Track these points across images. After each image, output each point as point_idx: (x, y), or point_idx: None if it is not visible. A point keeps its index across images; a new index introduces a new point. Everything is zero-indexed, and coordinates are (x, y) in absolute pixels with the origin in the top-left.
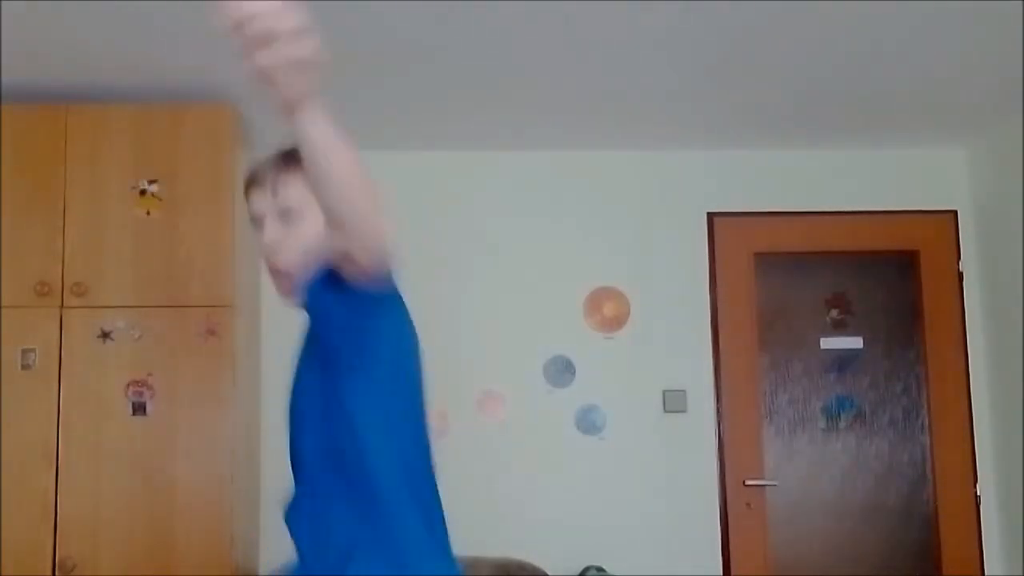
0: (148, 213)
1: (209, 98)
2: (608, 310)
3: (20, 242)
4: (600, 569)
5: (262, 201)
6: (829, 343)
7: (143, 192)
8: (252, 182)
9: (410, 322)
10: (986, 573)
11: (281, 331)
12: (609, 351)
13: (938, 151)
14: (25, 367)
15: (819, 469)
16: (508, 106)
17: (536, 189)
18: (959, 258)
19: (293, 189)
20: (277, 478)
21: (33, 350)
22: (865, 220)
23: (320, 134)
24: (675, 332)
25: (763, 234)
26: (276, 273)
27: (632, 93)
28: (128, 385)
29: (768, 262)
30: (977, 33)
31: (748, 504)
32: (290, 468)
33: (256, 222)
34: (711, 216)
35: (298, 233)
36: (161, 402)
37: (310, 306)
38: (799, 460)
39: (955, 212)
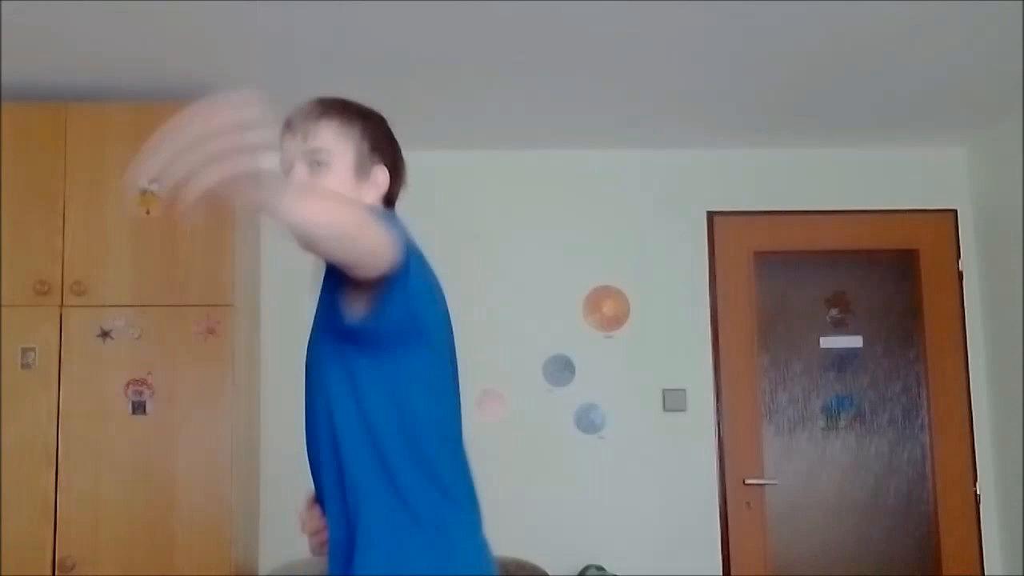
0: (148, 212)
1: (209, 97)
2: (608, 309)
3: (20, 241)
4: (600, 568)
5: (293, 146)
6: (829, 342)
7: (143, 191)
8: (285, 128)
9: (436, 285)
10: (986, 572)
11: (280, 330)
12: (609, 350)
13: (938, 150)
14: (25, 366)
15: (819, 468)
16: (507, 105)
17: (535, 188)
18: (959, 257)
19: (324, 136)
20: (277, 476)
21: (33, 349)
22: (865, 219)
23: (296, 216)
24: (675, 331)
25: (763, 233)
26: None
27: (631, 92)
28: (128, 384)
29: (768, 261)
30: (977, 32)
31: (748, 503)
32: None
33: (285, 168)
34: (711, 215)
35: (326, 180)
36: (161, 401)
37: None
38: (799, 459)
39: (955, 211)
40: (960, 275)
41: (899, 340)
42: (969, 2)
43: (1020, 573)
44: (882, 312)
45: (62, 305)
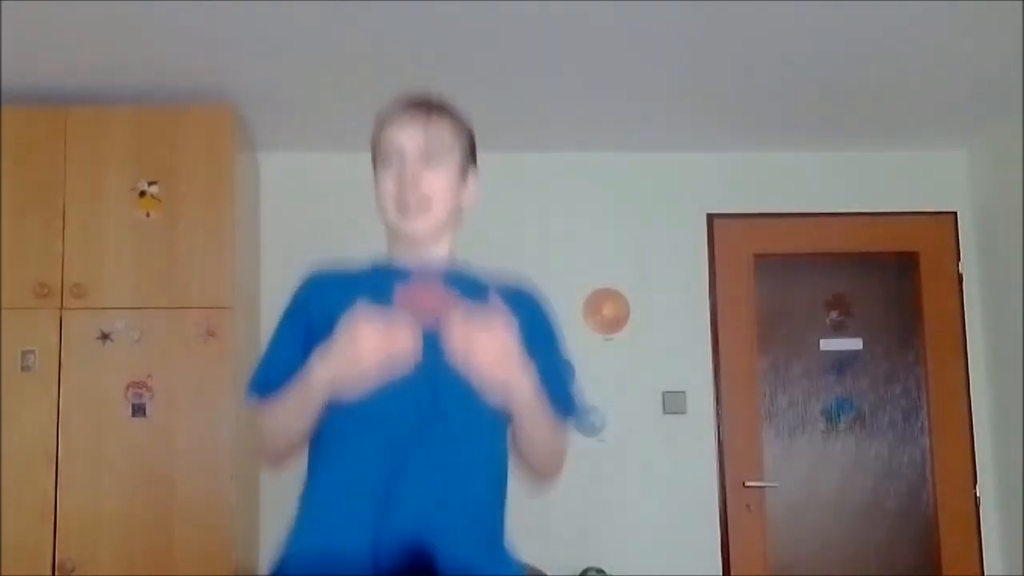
0: (148, 214)
1: (209, 100)
2: (607, 311)
3: (20, 243)
4: (600, 570)
5: (410, 140)
6: (829, 344)
7: (143, 193)
8: (403, 118)
9: None
10: (986, 574)
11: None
12: (608, 352)
13: (938, 152)
14: (25, 368)
15: (819, 470)
16: (506, 107)
17: (534, 190)
18: (959, 260)
19: (442, 133)
20: (277, 478)
21: (33, 351)
22: (865, 222)
23: (540, 416)
24: (675, 333)
25: (763, 235)
26: (416, 205)
27: (631, 94)
28: (128, 386)
29: (768, 263)
30: (977, 34)
31: (748, 505)
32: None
33: (394, 157)
34: (711, 217)
35: (442, 173)
36: (161, 403)
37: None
38: (799, 461)
39: (955, 214)
40: (960, 278)
41: (899, 343)
42: (969, 2)
43: (1020, 575)
44: (882, 315)
45: (62, 307)
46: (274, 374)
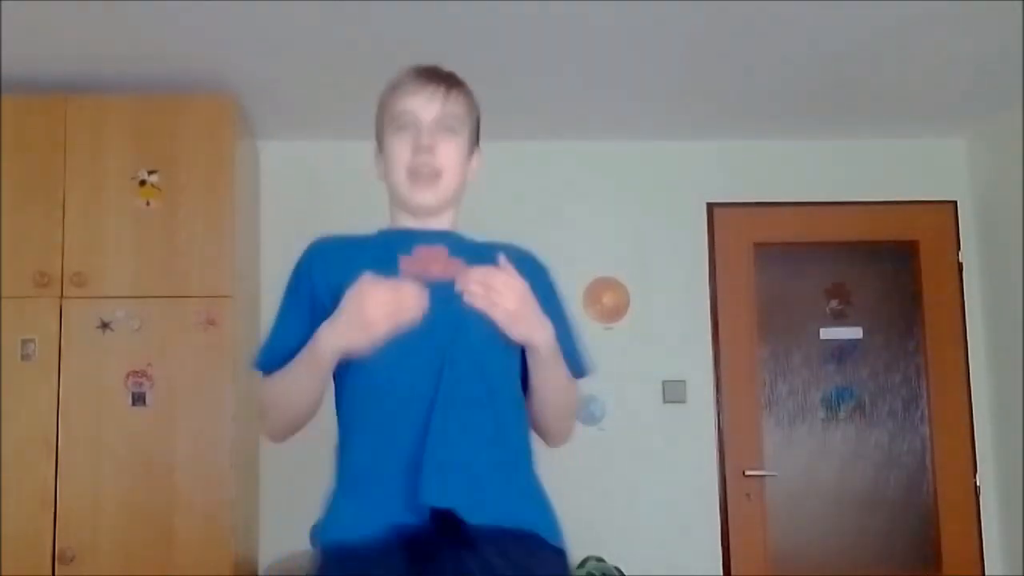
0: (148, 203)
1: (209, 89)
2: (608, 300)
3: (20, 232)
4: (600, 559)
5: (427, 105)
6: (829, 333)
7: (143, 182)
8: (419, 87)
9: None
10: (985, 563)
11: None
12: (608, 341)
13: (938, 141)
14: (25, 357)
15: (819, 459)
16: (505, 97)
17: (534, 179)
18: (959, 248)
19: (458, 105)
20: (277, 468)
21: (33, 340)
22: (865, 210)
23: (559, 370)
24: (675, 322)
25: (763, 224)
26: (426, 174)
27: (631, 83)
28: (128, 375)
29: (768, 252)
30: (977, 23)
31: (747, 494)
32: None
33: (409, 123)
34: (711, 206)
35: (455, 145)
36: (161, 392)
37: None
38: (799, 450)
39: (955, 202)
40: (960, 266)
41: (899, 331)
42: None
43: (1020, 564)
44: (882, 303)
45: (62, 296)
46: (280, 346)
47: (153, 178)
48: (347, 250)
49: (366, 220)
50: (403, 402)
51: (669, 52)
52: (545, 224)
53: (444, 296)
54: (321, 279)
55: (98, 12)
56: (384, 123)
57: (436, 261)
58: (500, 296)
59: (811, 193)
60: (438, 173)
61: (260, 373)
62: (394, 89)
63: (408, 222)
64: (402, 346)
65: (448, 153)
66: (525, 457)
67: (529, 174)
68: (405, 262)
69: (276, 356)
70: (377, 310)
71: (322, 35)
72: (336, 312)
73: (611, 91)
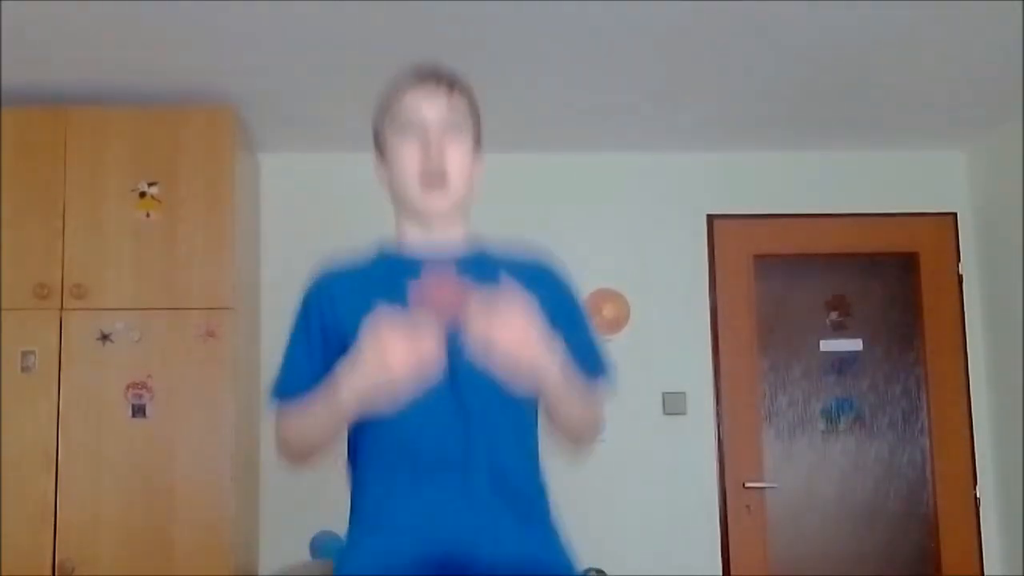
0: (148, 215)
1: (209, 101)
2: (608, 312)
3: (20, 244)
4: (600, 571)
5: (433, 106)
6: (829, 345)
7: (143, 194)
8: (422, 87)
9: None
10: (986, 575)
11: (281, 333)
12: (609, 353)
13: (938, 153)
14: (25, 369)
15: (819, 471)
16: (506, 108)
17: (535, 191)
18: (959, 260)
19: (461, 106)
20: (276, 480)
21: (33, 352)
22: (865, 222)
23: (572, 390)
24: (675, 334)
25: (763, 236)
26: (438, 177)
27: (631, 95)
28: (128, 387)
29: (768, 264)
30: (976, 35)
31: (748, 506)
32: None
33: (416, 126)
34: (711, 218)
35: (462, 146)
36: (161, 404)
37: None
38: (799, 462)
39: (955, 214)
40: (960, 278)
41: (899, 343)
42: (969, 3)
43: None
44: (882, 315)
45: (62, 308)
46: (293, 381)
47: (153, 190)
48: (353, 280)
49: (366, 231)
50: (431, 465)
51: (669, 64)
52: (545, 236)
53: (453, 337)
54: (330, 312)
55: (99, 24)
56: (386, 126)
57: (445, 292)
58: (499, 340)
59: (811, 205)
60: (448, 176)
61: (275, 405)
62: (395, 90)
63: (416, 231)
64: (424, 401)
65: (456, 155)
66: (543, 496)
67: (529, 186)
68: (415, 296)
69: (290, 389)
70: (397, 362)
71: (322, 48)
72: (354, 356)
73: (611, 103)
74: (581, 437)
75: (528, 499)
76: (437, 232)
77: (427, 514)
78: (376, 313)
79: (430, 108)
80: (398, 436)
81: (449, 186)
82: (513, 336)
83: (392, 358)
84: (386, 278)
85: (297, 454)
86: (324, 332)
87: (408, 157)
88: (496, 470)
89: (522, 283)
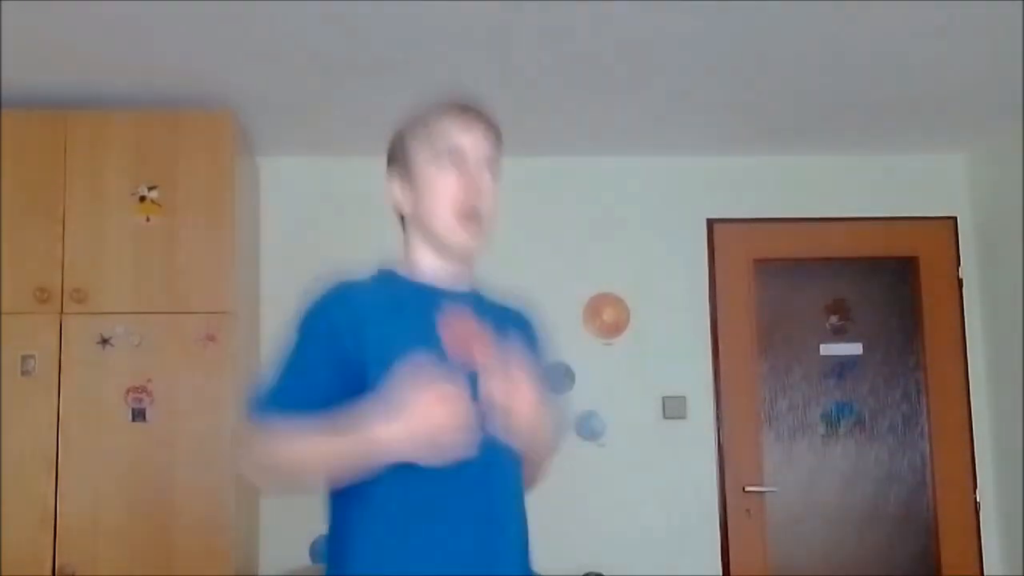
0: (148, 219)
1: (209, 105)
2: (607, 316)
3: (20, 248)
4: (599, 575)
5: (477, 141)
6: (829, 349)
7: (143, 198)
8: (465, 117)
9: None
10: None
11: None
12: (608, 357)
13: (938, 157)
14: (25, 373)
15: (819, 475)
16: (506, 112)
17: (535, 195)
18: (959, 264)
19: (500, 148)
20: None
21: (33, 356)
22: (865, 226)
23: (550, 442)
24: (675, 338)
25: (763, 240)
26: (475, 216)
27: (632, 99)
28: (128, 391)
29: (768, 268)
30: (977, 39)
31: (748, 510)
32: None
33: (457, 159)
34: (711, 222)
35: (494, 187)
36: (161, 408)
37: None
38: (799, 466)
39: (955, 218)
40: (960, 282)
41: (899, 347)
42: (969, 8)
43: None
44: (882, 319)
45: (62, 312)
46: (294, 396)
47: (153, 194)
48: (378, 304)
49: (366, 235)
50: (458, 518)
51: (670, 68)
52: (545, 240)
53: (474, 383)
54: (351, 335)
55: (98, 28)
56: (419, 149)
57: (468, 336)
58: (517, 410)
59: (811, 209)
60: (483, 214)
61: (263, 416)
62: (433, 114)
63: (432, 259)
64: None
65: (491, 193)
66: (527, 536)
67: (530, 190)
68: (447, 338)
69: (289, 404)
70: (443, 427)
71: (322, 52)
72: (393, 402)
73: (611, 107)
74: (535, 481)
75: (527, 546)
76: (453, 264)
77: (451, 564)
78: (416, 362)
79: (473, 140)
80: (423, 487)
81: (483, 224)
82: (527, 405)
83: (441, 417)
84: (413, 309)
85: (282, 479)
86: (341, 353)
87: (446, 187)
88: (512, 522)
89: (514, 330)
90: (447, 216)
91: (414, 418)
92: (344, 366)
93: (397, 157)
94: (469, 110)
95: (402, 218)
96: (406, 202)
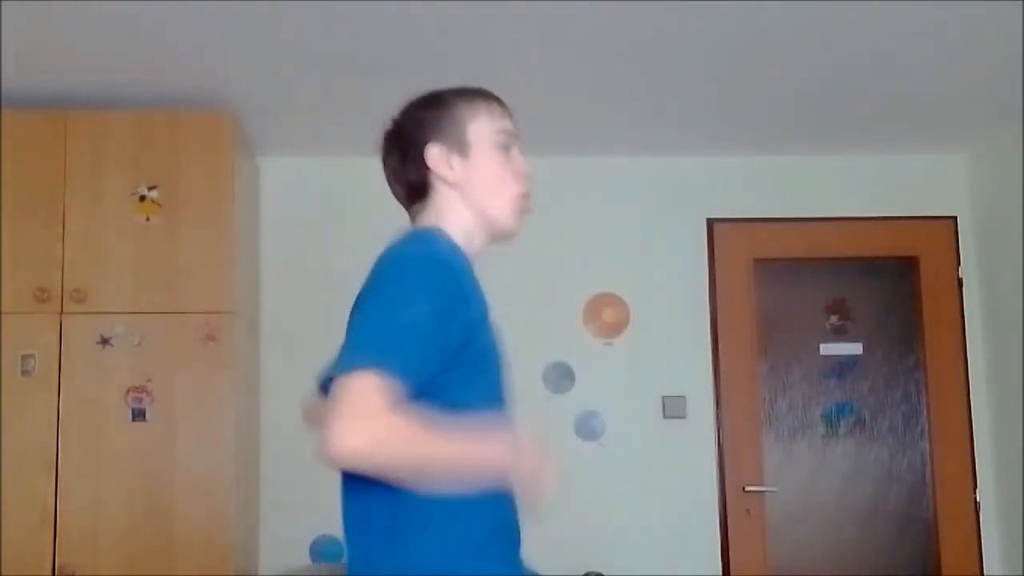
0: (147, 219)
1: (208, 104)
2: (608, 316)
3: (20, 248)
4: (600, 575)
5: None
6: (829, 349)
7: (142, 198)
8: (507, 108)
9: None
10: None
11: (280, 337)
12: (609, 357)
13: (938, 157)
14: (25, 373)
15: (819, 475)
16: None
17: (535, 195)
18: (959, 264)
19: None
20: (276, 484)
21: (33, 356)
22: (865, 226)
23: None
24: (675, 338)
25: (763, 240)
26: (529, 199)
27: (631, 98)
28: (128, 391)
29: (768, 268)
30: (977, 39)
31: (748, 510)
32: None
33: (514, 141)
34: (711, 222)
35: None
36: (161, 408)
37: None
38: (799, 466)
39: (955, 218)
40: (960, 282)
41: (899, 347)
42: (969, 8)
43: None
44: (882, 319)
45: (62, 312)
46: (418, 364)
47: (153, 194)
48: (475, 286)
49: (365, 234)
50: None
51: (669, 68)
52: (545, 240)
53: None
54: (464, 308)
55: (98, 27)
56: (484, 133)
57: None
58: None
59: (811, 209)
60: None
61: (388, 378)
62: (490, 104)
63: (481, 242)
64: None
65: None
66: None
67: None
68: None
69: (414, 372)
70: (548, 482)
71: (321, 51)
72: (521, 445)
73: (611, 107)
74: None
75: None
76: (489, 242)
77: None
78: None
79: (513, 133)
80: (505, 509)
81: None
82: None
83: (546, 481)
84: (479, 287)
85: (380, 465)
86: (453, 324)
87: (512, 178)
88: None
89: None
90: (509, 205)
91: (530, 471)
92: (450, 337)
93: (446, 128)
94: (498, 98)
95: (422, 186)
96: (455, 175)
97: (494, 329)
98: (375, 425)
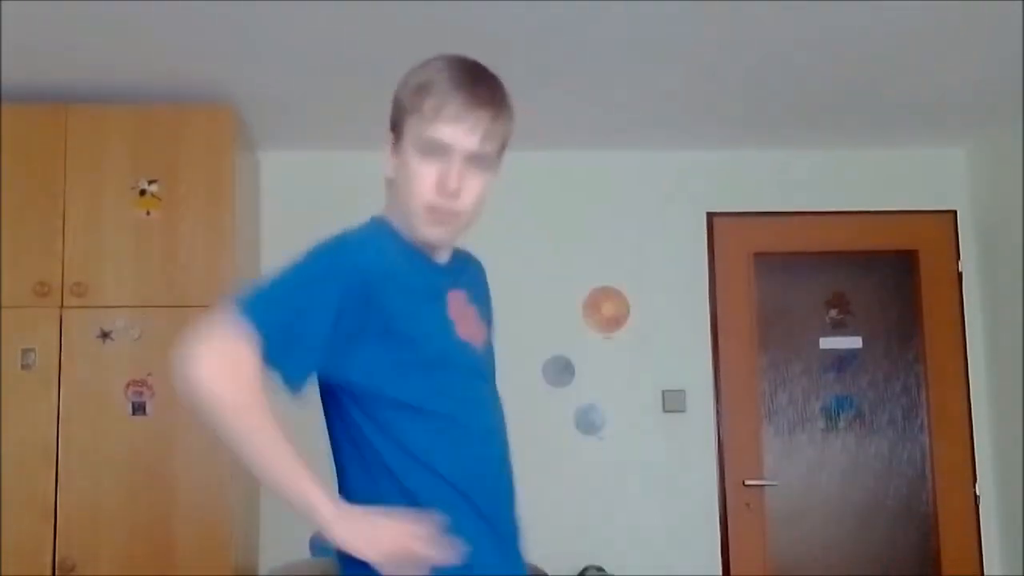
0: (148, 213)
1: (209, 99)
2: (607, 310)
3: (20, 242)
4: (599, 569)
5: (466, 135)
6: (828, 343)
7: (143, 192)
8: (461, 110)
9: None
10: (985, 572)
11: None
12: (608, 351)
13: (937, 151)
14: (25, 367)
15: (818, 469)
16: None
17: (535, 188)
18: (958, 258)
19: (500, 132)
20: None
21: (33, 350)
22: (864, 220)
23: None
24: (674, 332)
25: (762, 234)
26: (446, 214)
27: (631, 93)
28: (128, 385)
29: (767, 262)
30: (976, 33)
31: (747, 504)
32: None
33: (440, 156)
34: (710, 216)
35: (482, 182)
36: (161, 402)
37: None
38: (798, 460)
39: (954, 212)
40: (960, 276)
41: (899, 341)
42: (969, 2)
43: (1020, 574)
44: (882, 313)
45: (62, 306)
46: (300, 344)
47: (153, 188)
48: (408, 276)
49: None
50: (497, 492)
51: (668, 62)
52: (545, 234)
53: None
54: (377, 289)
55: (98, 22)
56: (411, 131)
57: (470, 317)
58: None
59: (811, 203)
60: (458, 215)
61: (270, 361)
62: (436, 99)
63: (422, 238)
64: (495, 434)
65: (472, 192)
66: None
67: (529, 184)
68: (460, 327)
69: (278, 348)
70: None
71: (322, 46)
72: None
73: (610, 101)
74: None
75: None
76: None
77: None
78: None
79: (462, 140)
80: (485, 478)
81: (454, 223)
82: None
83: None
84: (429, 287)
85: (209, 416)
86: (357, 310)
87: (423, 179)
88: None
89: (480, 282)
90: (418, 209)
91: (395, 543)
92: (348, 320)
93: (396, 118)
94: (468, 96)
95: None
96: (388, 168)
97: (454, 325)
98: (227, 374)
